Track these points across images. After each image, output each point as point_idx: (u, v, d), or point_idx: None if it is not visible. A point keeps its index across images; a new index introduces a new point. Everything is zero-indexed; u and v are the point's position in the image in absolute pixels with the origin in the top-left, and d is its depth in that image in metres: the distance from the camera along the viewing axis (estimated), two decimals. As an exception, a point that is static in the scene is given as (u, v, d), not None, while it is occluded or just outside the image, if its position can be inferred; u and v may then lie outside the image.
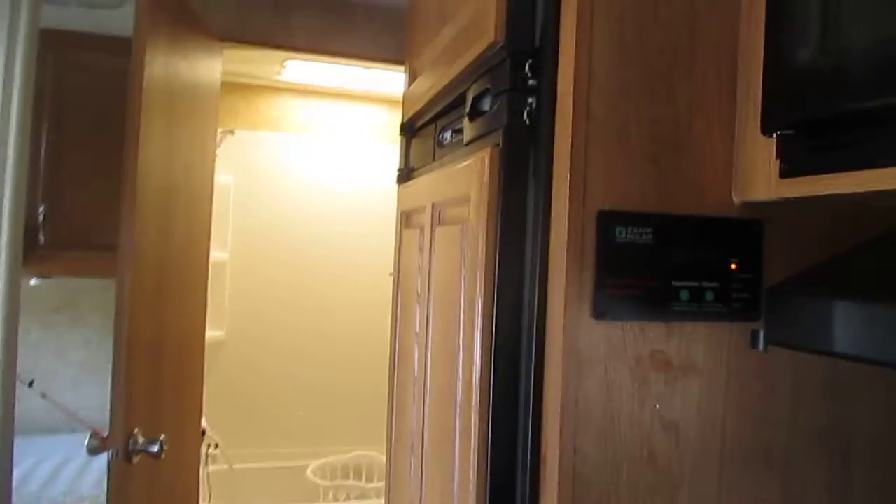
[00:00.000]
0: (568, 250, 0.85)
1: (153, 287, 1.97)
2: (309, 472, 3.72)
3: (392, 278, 1.61)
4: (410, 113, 1.53)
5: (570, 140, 0.85)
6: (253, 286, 3.93)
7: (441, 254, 1.16)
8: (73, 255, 2.62)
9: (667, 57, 0.89)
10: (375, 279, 4.12)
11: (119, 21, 2.70)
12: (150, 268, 1.93)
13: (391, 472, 1.54)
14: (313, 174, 4.07)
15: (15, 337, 1.45)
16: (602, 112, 0.86)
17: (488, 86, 1.00)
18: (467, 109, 1.08)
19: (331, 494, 3.70)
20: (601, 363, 0.87)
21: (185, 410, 2.33)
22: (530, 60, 0.93)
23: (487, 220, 0.92)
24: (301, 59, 3.44)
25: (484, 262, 0.92)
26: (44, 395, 2.31)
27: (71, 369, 2.94)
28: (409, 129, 1.56)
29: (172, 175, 2.10)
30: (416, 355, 1.28)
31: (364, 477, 3.92)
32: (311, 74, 3.79)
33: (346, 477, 3.90)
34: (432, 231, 1.21)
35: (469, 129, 1.08)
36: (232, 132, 3.78)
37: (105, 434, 1.86)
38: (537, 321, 0.89)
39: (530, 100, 0.93)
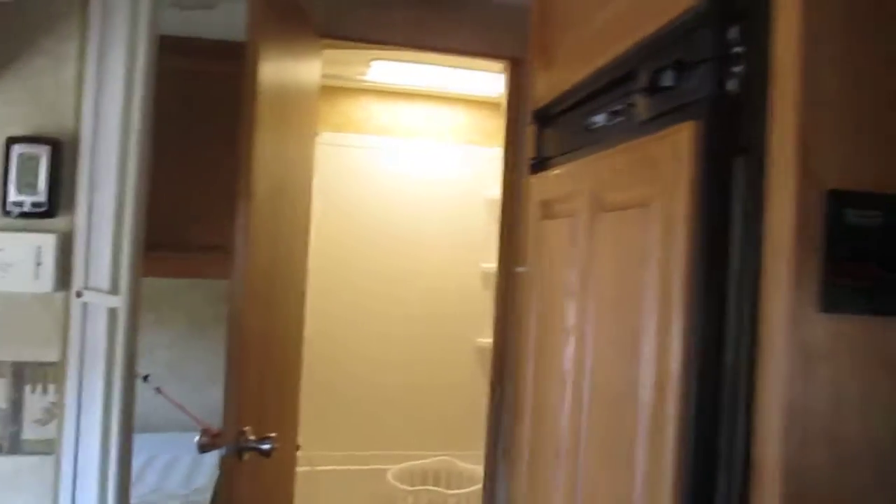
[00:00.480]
0: (794, 234, 0.76)
1: (263, 288, 1.94)
2: (390, 476, 3.67)
3: (522, 274, 1.52)
4: (544, 101, 1.45)
5: (796, 113, 0.76)
6: (334, 287, 3.91)
7: (608, 242, 1.07)
8: (163, 257, 2.62)
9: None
10: (459, 281, 4.07)
11: (204, 25, 2.72)
12: (261, 269, 1.90)
13: (520, 479, 1.45)
14: (396, 176, 4.04)
15: (135, 333, 1.42)
16: (830, 82, 0.77)
17: (679, 57, 0.91)
18: (644, 85, 0.99)
19: (410, 500, 3.64)
20: (828, 362, 0.77)
21: (285, 410, 2.30)
22: (737, 25, 0.84)
23: (687, 201, 0.83)
24: (393, 60, 3.42)
25: (683, 248, 0.84)
26: (158, 391, 2.30)
27: (158, 369, 2.95)
28: (542, 118, 1.48)
29: (279, 176, 2.08)
30: (568, 353, 1.19)
31: (444, 483, 3.85)
32: (396, 75, 3.76)
33: (426, 482, 3.83)
34: (592, 218, 1.13)
35: (646, 106, 1.00)
36: (318, 134, 3.77)
37: (215, 431, 1.83)
38: (749, 313, 0.80)
39: (737, 69, 0.84)
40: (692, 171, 0.83)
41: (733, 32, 0.84)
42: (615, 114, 1.15)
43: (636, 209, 0.97)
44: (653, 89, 0.97)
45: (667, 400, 0.85)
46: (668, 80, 0.94)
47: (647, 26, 0.98)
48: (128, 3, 1.41)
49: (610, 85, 1.16)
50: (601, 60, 1.15)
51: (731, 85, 0.84)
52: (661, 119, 0.96)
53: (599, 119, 1.21)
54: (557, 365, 1.24)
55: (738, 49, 0.84)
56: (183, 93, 2.60)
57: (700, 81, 0.87)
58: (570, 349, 1.19)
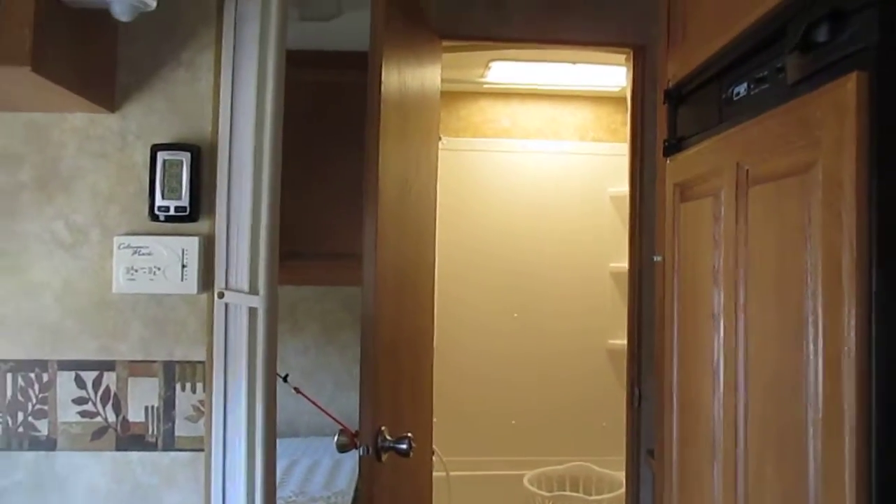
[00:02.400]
0: None
1: (393, 290, 1.95)
2: (526, 481, 3.62)
3: (658, 264, 1.45)
4: (677, 79, 1.38)
5: None
6: (461, 292, 3.91)
7: (760, 217, 0.99)
8: (296, 265, 2.68)
9: None
10: (587, 282, 3.97)
11: (327, 37, 2.79)
12: (390, 272, 1.91)
13: (669, 480, 1.37)
14: (518, 178, 4.01)
15: (275, 331, 1.45)
16: None
17: (836, 6, 0.83)
18: (796, 42, 0.91)
19: (549, 506, 3.57)
20: None
21: (419, 413, 2.30)
22: (904, -38, 0.75)
23: (857, 160, 0.75)
24: (511, 60, 3.40)
25: (854, 214, 0.75)
26: (297, 390, 2.37)
27: (292, 374, 3.03)
28: (676, 97, 1.40)
29: (406, 183, 2.09)
30: (718, 342, 1.11)
31: (581, 488, 3.76)
32: (515, 75, 3.72)
33: (563, 488, 3.75)
34: (738, 194, 1.05)
35: (798, 66, 0.91)
36: (440, 139, 3.80)
37: (353, 431, 1.85)
38: (940, 282, 0.71)
39: (906, 11, 0.75)
40: (861, 126, 0.75)
41: (901, -30, 0.75)
42: (759, 81, 1.07)
43: (793, 178, 0.89)
44: (806, 46, 0.89)
45: (841, 388, 0.76)
46: (822, 34, 0.86)
47: (796, -21, 0.90)
48: (258, 14, 1.45)
49: (752, 51, 1.08)
50: (742, 25, 1.07)
51: (902, 29, 0.75)
52: (817, 77, 0.87)
53: (741, 89, 1.13)
54: (706, 355, 1.16)
55: (907, -11, 0.75)
56: (310, 105, 2.67)
57: (863, 29, 0.78)
58: (719, 337, 1.11)
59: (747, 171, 1.03)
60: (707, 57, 1.22)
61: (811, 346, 0.83)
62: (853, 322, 0.74)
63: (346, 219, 2.54)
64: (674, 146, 1.39)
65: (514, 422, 3.93)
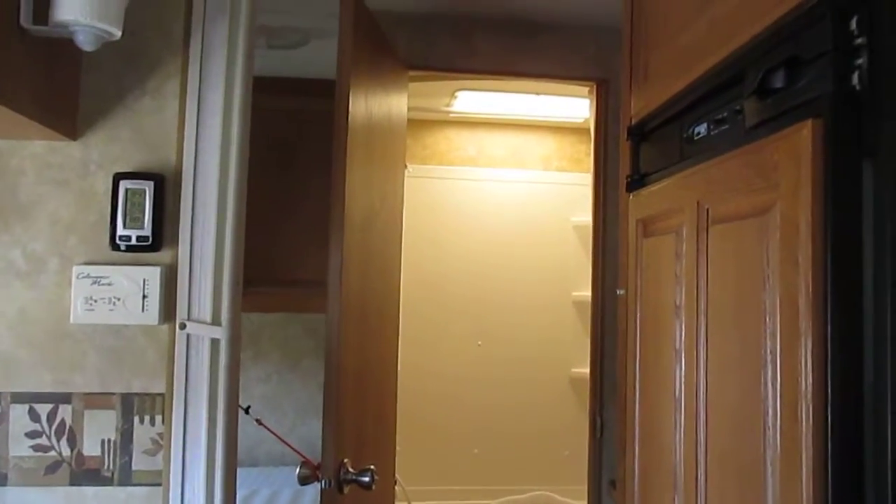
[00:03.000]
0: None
1: (357, 320, 1.94)
2: (489, 511, 3.61)
3: (621, 297, 1.47)
4: (640, 116, 1.41)
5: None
6: (424, 319, 3.91)
7: (719, 256, 1.01)
8: (259, 292, 2.66)
9: None
10: (550, 310, 4.00)
11: (294, 64, 2.80)
12: (355, 302, 1.90)
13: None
14: (483, 206, 4.03)
15: (237, 363, 1.43)
16: (972, 64, 0.70)
17: (792, 53, 0.86)
18: (753, 87, 0.94)
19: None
20: None
21: (382, 443, 2.28)
22: (857, 15, 0.78)
23: (812, 205, 0.77)
24: (478, 90, 3.44)
25: (810, 256, 0.77)
26: (259, 422, 2.33)
27: (253, 403, 2.99)
28: (638, 134, 1.43)
29: (371, 206, 2.09)
30: (679, 376, 1.13)
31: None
32: (481, 105, 3.77)
33: (525, 518, 3.75)
34: (699, 233, 1.07)
35: (756, 109, 0.94)
36: (406, 167, 3.82)
37: (315, 463, 1.83)
38: (892, 324, 0.73)
39: (859, 61, 0.78)
40: (817, 171, 0.77)
41: (854, 23, 0.78)
42: (719, 122, 1.10)
43: (752, 219, 0.91)
44: (763, 91, 0.92)
45: (799, 423, 0.78)
46: (779, 80, 0.89)
47: (755, 27, 0.93)
48: (224, 42, 1.45)
49: (712, 92, 1.11)
50: (702, 68, 1.10)
51: (854, 79, 0.78)
52: (774, 122, 0.90)
53: (701, 129, 1.16)
54: (668, 388, 1.17)
55: (859, 40, 0.78)
56: (276, 132, 2.68)
57: (818, 78, 0.81)
58: (681, 371, 1.13)
59: (708, 210, 1.05)
60: (668, 97, 1.25)
61: (769, 385, 0.84)
62: (809, 363, 0.76)
63: (310, 246, 2.53)
64: (636, 182, 1.42)
65: (476, 450, 3.92)
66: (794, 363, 0.79)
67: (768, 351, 0.85)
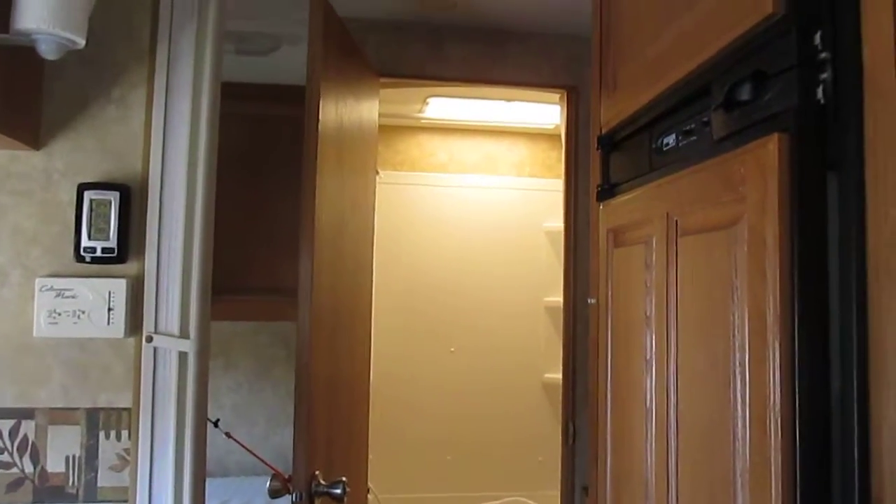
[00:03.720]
0: (905, 251, 0.69)
1: (329, 329, 1.93)
2: (462, 518, 3.60)
3: (592, 306, 1.47)
4: (610, 126, 1.41)
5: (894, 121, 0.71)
6: (396, 326, 3.89)
7: (689, 267, 1.02)
8: (228, 300, 2.63)
9: None
10: (522, 315, 4.01)
11: (263, 70, 2.78)
12: (326, 310, 1.89)
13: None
14: (455, 212, 4.03)
15: (205, 377, 1.42)
16: (933, 81, 0.71)
17: (758, 68, 0.87)
18: (720, 101, 0.95)
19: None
20: (951, 388, 0.70)
21: (354, 452, 2.27)
22: (820, 30, 0.79)
23: (779, 218, 0.78)
24: (449, 96, 3.43)
25: (777, 269, 0.78)
26: (228, 435, 2.30)
27: (224, 412, 2.97)
28: (608, 143, 1.43)
29: (342, 213, 2.08)
30: (649, 386, 1.13)
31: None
32: (452, 111, 3.77)
33: (499, 524, 3.75)
34: (669, 244, 1.07)
35: (723, 122, 0.95)
36: (378, 173, 3.80)
37: (286, 476, 1.81)
38: (857, 338, 0.74)
39: (823, 76, 0.79)
40: (782, 186, 0.78)
41: (818, 38, 0.79)
42: (687, 133, 1.10)
43: (720, 231, 0.92)
44: (730, 104, 0.93)
45: (768, 437, 0.78)
46: (745, 93, 0.90)
47: (721, 40, 0.94)
48: (192, 51, 1.44)
49: (680, 104, 1.12)
50: (670, 79, 1.11)
51: (819, 93, 0.79)
52: (740, 135, 0.91)
53: (670, 140, 1.16)
54: (638, 399, 1.18)
55: (823, 55, 0.79)
56: (246, 138, 2.66)
57: (783, 92, 0.82)
58: (651, 381, 1.13)
59: (677, 221, 1.06)
60: (638, 107, 1.25)
61: (738, 397, 0.85)
62: (777, 376, 0.77)
63: (281, 253, 2.51)
64: (606, 192, 1.42)
65: (450, 457, 3.91)
66: (762, 376, 0.80)
67: (737, 363, 0.86)
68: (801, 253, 0.77)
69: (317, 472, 1.72)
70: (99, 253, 1.33)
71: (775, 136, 0.79)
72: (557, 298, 2.77)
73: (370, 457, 2.53)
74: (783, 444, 0.76)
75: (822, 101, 0.78)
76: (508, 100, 3.47)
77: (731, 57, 0.93)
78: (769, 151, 0.80)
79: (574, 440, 2.53)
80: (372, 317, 2.53)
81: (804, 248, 0.77)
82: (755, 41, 0.87)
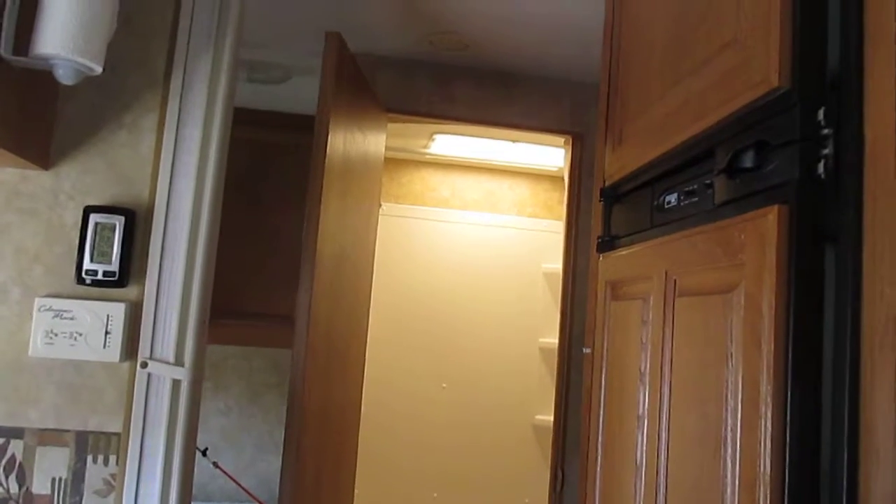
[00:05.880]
0: (894, 329, 0.70)
1: (323, 360, 1.93)
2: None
3: (587, 355, 1.48)
4: (613, 179, 1.43)
5: (892, 198, 0.72)
6: (391, 358, 3.88)
7: (686, 327, 1.03)
8: (223, 324, 2.63)
9: None
10: (516, 355, 4.00)
11: (273, 98, 2.81)
12: (321, 340, 1.89)
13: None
14: (455, 248, 4.05)
15: (197, 406, 1.41)
16: (931, 164, 0.73)
17: (761, 138, 0.88)
18: (723, 166, 0.96)
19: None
20: (940, 467, 0.70)
21: (341, 488, 2.25)
22: (824, 107, 0.81)
23: (776, 288, 0.79)
24: (455, 134, 3.47)
25: (772, 339, 0.79)
26: (215, 465, 2.29)
27: (211, 436, 2.95)
28: (611, 196, 1.45)
29: (343, 244, 2.09)
30: (641, 442, 1.14)
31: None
32: (458, 148, 3.80)
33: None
34: (666, 302, 1.08)
35: (724, 187, 0.96)
36: (380, 205, 3.83)
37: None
38: (849, 412, 0.74)
39: (825, 151, 0.80)
40: (780, 257, 0.79)
41: (821, 114, 0.81)
42: (689, 194, 1.12)
43: (717, 295, 0.93)
44: (732, 170, 0.94)
45: (756, 503, 0.79)
46: (748, 161, 0.91)
47: (727, 107, 0.96)
48: (206, 78, 1.46)
49: (684, 164, 1.14)
50: (675, 140, 1.13)
51: (820, 168, 0.80)
52: (741, 202, 0.92)
53: (672, 199, 1.18)
54: (629, 454, 1.18)
55: (825, 131, 0.81)
56: (247, 162, 2.67)
57: (785, 164, 0.84)
58: (643, 438, 1.13)
59: (675, 281, 1.07)
60: (642, 163, 1.27)
61: (728, 462, 0.85)
62: (768, 445, 0.77)
63: (280, 280, 2.52)
64: (607, 243, 1.43)
65: (436, 494, 3.87)
66: (753, 443, 0.80)
67: (728, 429, 0.86)
68: (796, 324, 0.78)
69: (301, 506, 1.71)
70: (100, 276, 1.34)
71: (776, 207, 0.81)
72: (552, 340, 2.77)
73: (357, 491, 2.52)
74: (771, 513, 0.76)
75: (823, 176, 0.80)
76: (513, 140, 3.50)
77: (735, 125, 0.95)
78: (769, 222, 0.81)
79: (562, 487, 2.52)
80: (366, 348, 2.53)
81: (799, 319, 0.78)
82: (760, 112, 0.89)
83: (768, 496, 0.77)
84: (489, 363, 3.99)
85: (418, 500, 3.86)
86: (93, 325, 1.32)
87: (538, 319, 3.99)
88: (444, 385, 3.95)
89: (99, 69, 1.21)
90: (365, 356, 2.52)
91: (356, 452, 2.45)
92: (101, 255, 1.35)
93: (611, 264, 1.39)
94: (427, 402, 3.92)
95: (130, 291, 1.36)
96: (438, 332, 3.97)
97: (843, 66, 0.81)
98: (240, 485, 2.39)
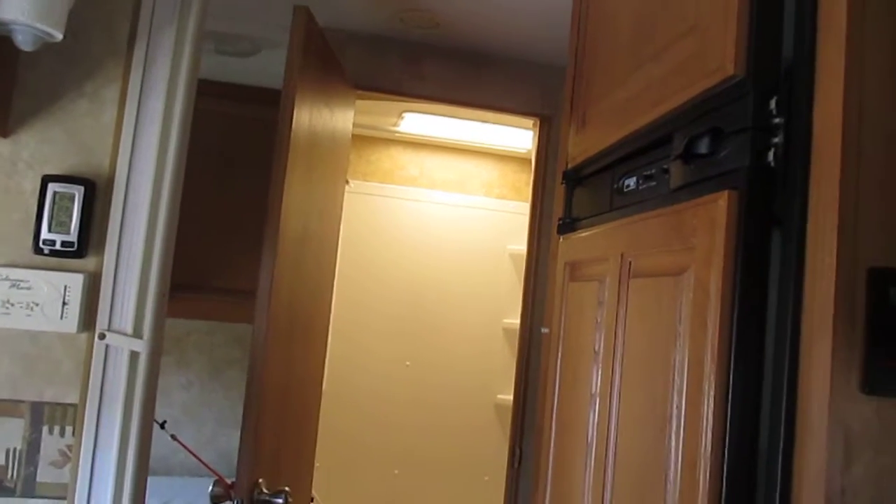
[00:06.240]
0: (835, 312, 0.73)
1: (285, 335, 1.93)
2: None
3: (545, 335, 1.50)
4: (576, 161, 1.45)
5: (838, 186, 0.74)
6: (355, 335, 3.89)
7: (638, 308, 1.05)
8: (185, 298, 2.62)
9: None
10: (480, 335, 4.03)
11: (239, 71, 2.78)
12: (283, 316, 1.89)
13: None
14: (422, 226, 4.05)
15: (155, 378, 1.41)
16: (876, 154, 0.75)
17: (716, 125, 0.90)
18: (679, 151, 0.98)
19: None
20: (870, 447, 0.73)
21: (301, 460, 2.26)
22: (776, 96, 0.83)
23: (723, 271, 0.81)
24: (424, 113, 3.46)
25: (717, 321, 0.81)
26: (173, 437, 2.28)
27: (173, 410, 2.94)
28: (572, 178, 1.47)
29: (307, 221, 2.09)
30: (592, 420, 1.16)
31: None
32: (427, 127, 3.80)
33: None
34: (621, 284, 1.11)
35: (680, 172, 0.98)
36: (347, 182, 3.81)
37: (228, 482, 1.81)
38: (787, 392, 0.77)
39: (775, 139, 0.83)
40: (728, 241, 0.82)
41: (773, 103, 0.83)
42: (647, 178, 1.14)
43: (669, 277, 0.95)
44: (688, 156, 0.96)
45: (696, 482, 0.81)
46: (703, 147, 0.93)
47: (685, 93, 0.98)
48: (170, 51, 1.44)
49: (643, 149, 1.16)
50: (635, 124, 1.15)
51: (770, 156, 0.83)
52: (696, 187, 0.95)
53: (631, 182, 1.20)
54: (580, 431, 1.21)
55: (777, 120, 0.83)
56: (215, 136, 2.65)
57: (737, 151, 0.86)
58: (594, 416, 1.16)
59: (630, 263, 1.09)
60: (603, 147, 1.29)
61: (673, 440, 0.88)
62: (710, 423, 0.80)
63: (243, 254, 2.50)
64: (568, 225, 1.45)
65: (397, 471, 3.91)
66: (696, 422, 0.83)
67: (674, 406, 0.89)
68: (740, 306, 0.81)
69: (260, 480, 1.72)
70: (58, 246, 1.32)
71: (726, 193, 0.83)
72: (516, 321, 2.80)
73: (317, 465, 2.53)
74: (710, 488, 0.79)
75: (773, 164, 0.82)
76: (483, 121, 3.51)
77: (692, 111, 0.97)
78: (719, 207, 0.83)
79: (520, 464, 2.56)
80: (329, 325, 2.54)
81: (744, 301, 0.81)
82: (715, 99, 0.91)
83: (708, 473, 0.79)
84: (453, 342, 4.01)
85: (380, 477, 3.89)
86: (50, 296, 1.31)
87: (503, 300, 4.02)
88: (408, 363, 3.97)
89: (59, 35, 1.19)
90: (328, 332, 2.53)
91: (317, 428, 2.46)
92: (59, 224, 1.33)
93: (570, 246, 1.42)
94: (390, 380, 3.94)
95: (89, 262, 1.35)
96: (403, 311, 3.99)
97: (797, 57, 0.83)
98: (199, 458, 2.39)
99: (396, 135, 3.98)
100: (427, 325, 4.00)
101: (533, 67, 2.69)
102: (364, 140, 3.98)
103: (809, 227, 0.78)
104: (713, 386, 0.81)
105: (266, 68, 2.67)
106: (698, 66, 0.95)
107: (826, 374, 0.73)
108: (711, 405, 0.81)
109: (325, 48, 2.16)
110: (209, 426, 3.00)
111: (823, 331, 0.74)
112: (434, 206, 4.07)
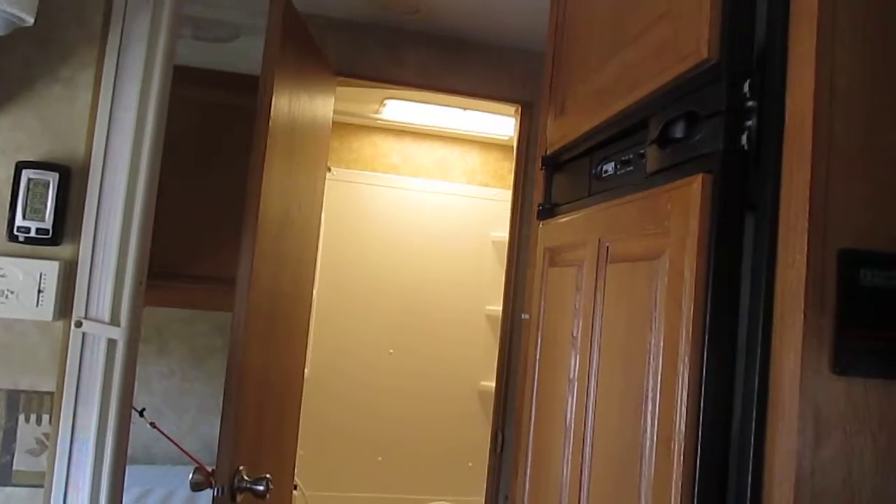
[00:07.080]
0: (805, 294, 0.74)
1: (265, 321, 1.93)
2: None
3: (525, 321, 1.51)
4: (555, 147, 1.45)
5: (809, 169, 0.75)
6: (338, 323, 3.89)
7: (615, 293, 1.06)
8: (165, 286, 2.60)
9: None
10: (463, 322, 4.04)
11: (219, 57, 2.75)
12: (264, 305, 1.88)
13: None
14: (404, 214, 4.05)
15: (133, 365, 1.40)
16: (846, 138, 0.76)
17: (690, 109, 0.91)
18: (654, 136, 0.99)
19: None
20: (840, 427, 0.75)
21: (283, 447, 2.26)
22: (749, 79, 0.83)
23: (697, 255, 0.82)
24: (406, 100, 3.45)
25: (692, 303, 0.82)
26: (153, 425, 2.27)
27: (154, 399, 2.93)
28: (552, 164, 1.47)
29: (287, 208, 2.07)
30: (570, 404, 1.17)
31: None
32: (409, 114, 3.79)
33: (425, 527, 3.77)
34: (598, 269, 1.11)
35: (656, 157, 0.99)
36: (329, 169, 3.79)
37: (209, 469, 1.80)
38: (759, 372, 0.78)
39: (749, 123, 0.83)
40: (702, 225, 0.82)
41: (746, 87, 0.83)
42: (625, 163, 1.15)
43: (645, 262, 0.96)
44: (663, 140, 0.97)
45: (671, 461, 0.82)
46: (678, 131, 0.94)
47: (660, 78, 0.98)
48: (145, 36, 1.42)
49: (620, 134, 1.16)
50: (612, 110, 1.15)
51: (743, 139, 0.83)
52: (671, 171, 0.95)
53: (609, 168, 1.20)
54: (559, 416, 1.21)
55: (750, 103, 0.83)
56: (195, 123, 2.62)
57: (711, 134, 0.86)
58: (572, 400, 1.17)
59: (608, 248, 1.10)
60: (582, 132, 1.29)
61: (648, 422, 0.89)
62: (684, 403, 0.81)
63: (224, 242, 2.49)
64: (547, 211, 1.46)
65: (380, 458, 3.92)
66: (671, 402, 0.84)
67: (650, 388, 0.90)
68: (714, 289, 0.81)
69: (241, 468, 1.72)
70: (33, 233, 1.31)
71: (700, 176, 0.83)
72: (499, 308, 2.80)
73: (300, 452, 2.53)
74: (684, 467, 0.80)
75: (746, 147, 0.83)
76: (464, 108, 3.50)
77: (668, 95, 0.97)
78: (693, 191, 0.84)
79: (502, 449, 2.57)
80: (311, 313, 2.53)
81: (718, 284, 0.81)
82: (690, 83, 0.92)
83: (682, 453, 0.80)
84: (436, 330, 4.02)
85: (363, 464, 3.90)
86: (25, 283, 1.30)
87: (485, 287, 4.03)
88: (391, 351, 3.98)
89: (30, 20, 1.17)
90: (310, 320, 2.52)
91: (299, 415, 2.46)
92: (33, 211, 1.32)
93: (550, 231, 1.42)
94: (374, 368, 3.95)
95: (65, 250, 1.34)
96: (386, 299, 3.99)
97: (770, 41, 0.83)
98: (179, 447, 2.39)
99: (378, 122, 3.96)
100: (410, 313, 4.00)
101: (514, 53, 2.69)
102: (346, 127, 3.96)
103: (781, 209, 0.79)
104: (687, 368, 0.81)
105: (245, 54, 2.64)
106: (673, 51, 0.95)
107: (797, 355, 0.74)
108: (686, 387, 0.81)
109: (305, 34, 2.15)
110: (191, 414, 2.99)
111: (795, 312, 0.75)
112: (416, 194, 4.07)
